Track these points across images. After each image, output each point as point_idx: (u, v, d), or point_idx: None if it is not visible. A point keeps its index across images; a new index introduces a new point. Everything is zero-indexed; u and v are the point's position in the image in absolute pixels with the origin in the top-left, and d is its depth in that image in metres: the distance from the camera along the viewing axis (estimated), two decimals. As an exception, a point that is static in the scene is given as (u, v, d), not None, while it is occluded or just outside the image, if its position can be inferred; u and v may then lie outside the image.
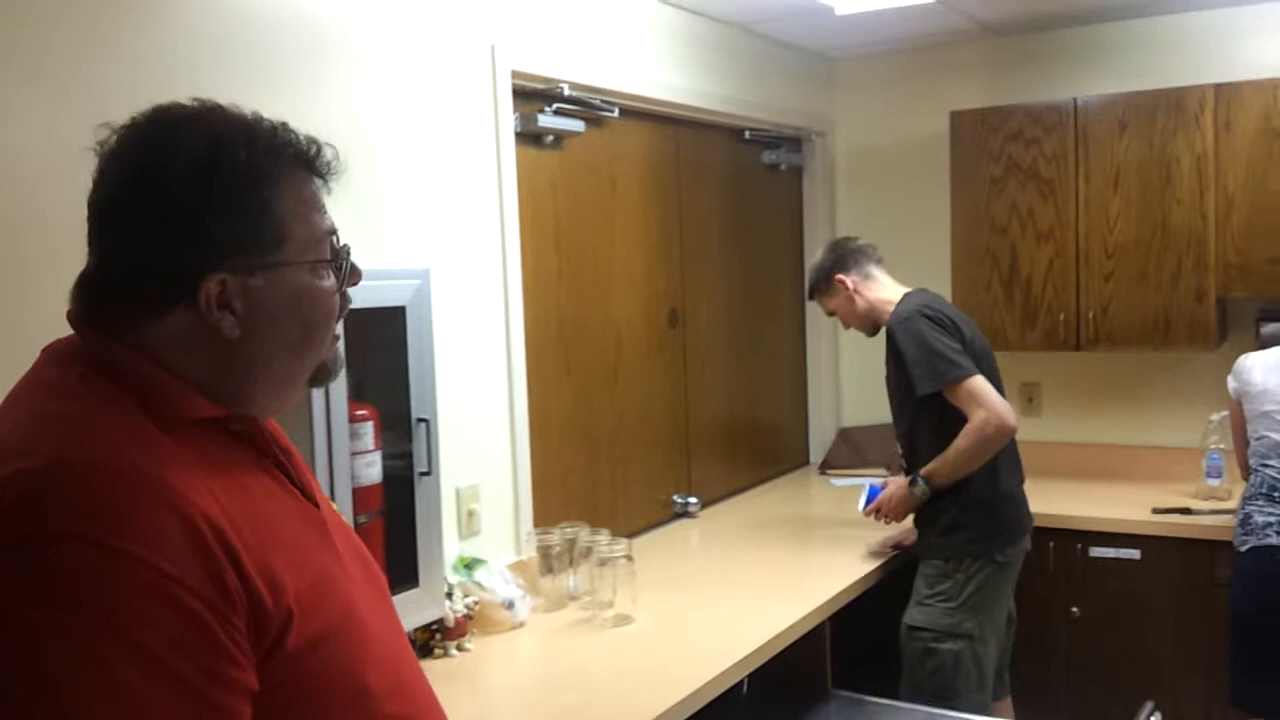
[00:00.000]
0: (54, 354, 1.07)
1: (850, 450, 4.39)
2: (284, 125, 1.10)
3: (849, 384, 4.63)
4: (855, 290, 3.11)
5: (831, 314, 3.23)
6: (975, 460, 2.89)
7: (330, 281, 1.12)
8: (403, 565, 2.23)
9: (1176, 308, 3.68)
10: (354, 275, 1.16)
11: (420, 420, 2.29)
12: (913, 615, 2.98)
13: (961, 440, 2.87)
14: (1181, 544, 3.45)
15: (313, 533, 1.10)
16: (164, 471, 0.95)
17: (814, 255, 3.26)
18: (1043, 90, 4.04)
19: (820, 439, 4.56)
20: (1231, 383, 3.22)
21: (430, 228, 2.64)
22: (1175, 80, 3.77)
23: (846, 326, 3.24)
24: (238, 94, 1.14)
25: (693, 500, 3.73)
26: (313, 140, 1.11)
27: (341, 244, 1.14)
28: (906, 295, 3.08)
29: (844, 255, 3.14)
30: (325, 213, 1.13)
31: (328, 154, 1.12)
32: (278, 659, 0.96)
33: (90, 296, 1.07)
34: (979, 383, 2.87)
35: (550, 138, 3.09)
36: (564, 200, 3.18)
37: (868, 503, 3.14)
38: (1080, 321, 3.81)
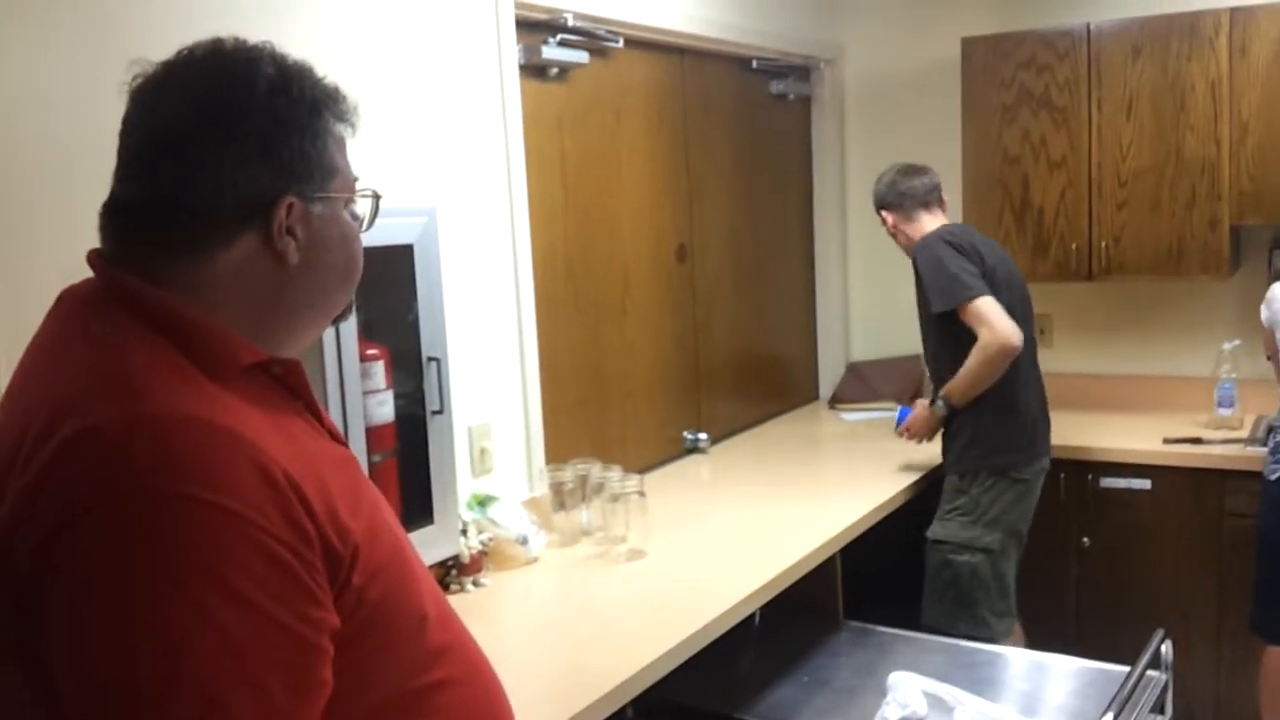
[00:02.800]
0: (81, 300, 1.06)
1: (859, 384, 4.38)
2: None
3: (858, 318, 4.60)
4: (895, 227, 3.25)
5: None
6: (984, 379, 2.99)
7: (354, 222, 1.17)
8: (417, 503, 2.24)
9: (1190, 236, 3.64)
10: (372, 220, 1.21)
11: (431, 359, 2.28)
12: (934, 529, 3.12)
13: (970, 360, 2.98)
14: (1192, 474, 3.45)
15: (351, 474, 1.12)
16: (233, 422, 0.96)
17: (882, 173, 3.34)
18: (1056, 15, 3.95)
19: (830, 373, 4.54)
20: (1264, 312, 3.21)
21: (435, 164, 2.60)
22: (1190, 4, 3.69)
23: None
24: (228, 24, 1.12)
25: (703, 436, 3.73)
26: (338, 87, 1.14)
27: (370, 189, 1.20)
28: (939, 228, 3.17)
29: (890, 195, 3.25)
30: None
31: (352, 101, 1.15)
32: (348, 595, 1.00)
33: (131, 233, 1.05)
34: (986, 303, 2.94)
35: (555, 70, 3.04)
36: (569, 134, 3.14)
37: (899, 423, 3.35)
38: (1092, 251, 3.77)
